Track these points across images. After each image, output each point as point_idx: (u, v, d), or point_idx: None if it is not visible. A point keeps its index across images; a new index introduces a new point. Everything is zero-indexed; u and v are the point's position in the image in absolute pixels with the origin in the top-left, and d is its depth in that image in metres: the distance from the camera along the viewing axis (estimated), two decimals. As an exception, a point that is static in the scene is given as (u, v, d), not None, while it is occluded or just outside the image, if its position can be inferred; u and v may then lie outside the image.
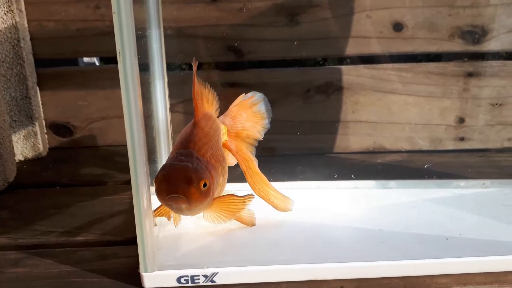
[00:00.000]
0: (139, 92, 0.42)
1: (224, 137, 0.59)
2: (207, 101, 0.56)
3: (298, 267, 0.50)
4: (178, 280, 0.48)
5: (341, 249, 0.53)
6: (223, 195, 0.53)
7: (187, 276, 0.48)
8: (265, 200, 0.58)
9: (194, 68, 0.53)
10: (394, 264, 0.50)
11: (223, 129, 0.58)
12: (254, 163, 0.59)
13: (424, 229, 0.57)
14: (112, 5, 0.38)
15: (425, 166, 0.75)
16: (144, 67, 0.59)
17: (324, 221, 0.59)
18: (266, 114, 0.62)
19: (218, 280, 0.49)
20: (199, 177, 0.46)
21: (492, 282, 0.49)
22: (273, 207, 0.59)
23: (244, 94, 0.62)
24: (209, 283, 0.49)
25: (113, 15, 0.38)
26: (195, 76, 0.53)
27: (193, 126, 0.52)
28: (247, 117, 0.61)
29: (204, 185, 0.46)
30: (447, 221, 0.59)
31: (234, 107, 0.61)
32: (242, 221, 0.57)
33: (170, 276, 0.48)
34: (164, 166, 0.48)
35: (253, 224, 0.57)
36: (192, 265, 0.49)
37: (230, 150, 0.59)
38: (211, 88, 0.57)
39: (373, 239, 0.55)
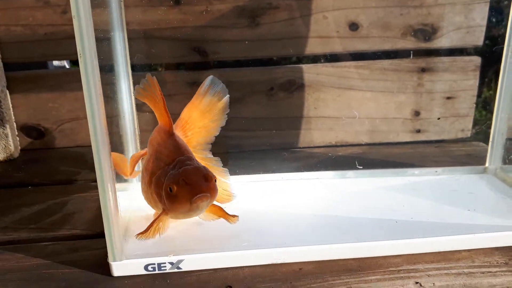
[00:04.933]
0: (100, 91, 0.44)
1: None
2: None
3: (259, 251, 0.53)
4: (146, 268, 0.51)
5: (300, 234, 0.56)
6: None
7: (154, 264, 0.51)
8: None
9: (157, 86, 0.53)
10: (349, 247, 0.54)
11: None
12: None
13: (378, 214, 0.61)
14: (72, 10, 0.41)
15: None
16: (109, 68, 0.61)
17: (286, 209, 0.63)
18: (220, 95, 0.59)
19: (184, 267, 0.52)
20: (212, 174, 0.50)
21: (440, 261, 0.53)
22: None
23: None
24: (176, 270, 0.52)
25: (73, 18, 0.41)
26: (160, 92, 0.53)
27: (172, 137, 0.54)
28: (200, 116, 0.59)
29: (215, 181, 0.50)
30: (400, 206, 0.63)
31: (183, 113, 0.60)
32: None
33: (138, 264, 0.51)
34: (176, 173, 0.50)
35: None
36: (158, 254, 0.52)
37: None
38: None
39: (331, 224, 0.59)
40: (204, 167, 0.51)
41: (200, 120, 0.59)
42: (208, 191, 0.49)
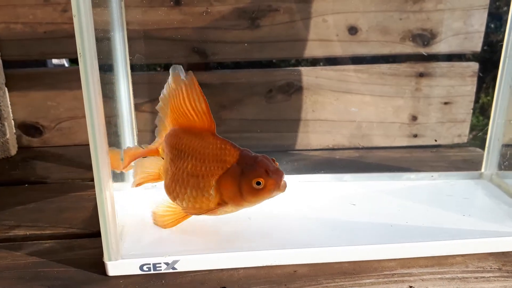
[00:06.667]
0: (99, 90, 0.45)
1: None
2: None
3: (254, 253, 0.53)
4: (141, 268, 0.51)
5: (295, 237, 0.57)
6: None
7: (149, 264, 0.51)
8: None
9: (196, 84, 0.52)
10: (344, 250, 0.54)
11: None
12: None
13: (373, 218, 0.61)
14: (72, 8, 0.41)
15: None
16: (108, 67, 0.61)
17: (282, 211, 0.63)
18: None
19: (179, 267, 0.52)
20: None
21: (434, 265, 0.53)
22: None
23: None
24: (171, 270, 0.52)
25: (73, 17, 0.41)
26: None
27: (217, 136, 0.53)
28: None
29: None
30: (396, 210, 0.63)
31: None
32: None
33: (133, 264, 0.51)
34: (258, 167, 0.50)
35: None
36: (154, 254, 0.52)
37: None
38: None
39: (326, 227, 0.59)
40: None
41: None
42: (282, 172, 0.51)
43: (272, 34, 0.82)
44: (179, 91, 0.53)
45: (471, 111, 0.88)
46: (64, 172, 0.80)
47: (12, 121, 0.86)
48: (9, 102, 0.85)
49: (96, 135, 0.45)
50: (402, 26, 0.83)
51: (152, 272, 0.52)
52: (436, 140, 0.85)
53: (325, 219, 0.61)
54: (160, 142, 0.59)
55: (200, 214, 0.54)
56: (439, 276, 0.51)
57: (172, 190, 0.55)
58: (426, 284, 0.50)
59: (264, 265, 0.53)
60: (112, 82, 0.63)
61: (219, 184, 0.52)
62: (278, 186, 0.50)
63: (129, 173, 0.69)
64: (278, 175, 0.50)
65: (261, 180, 0.49)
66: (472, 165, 0.81)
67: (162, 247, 0.54)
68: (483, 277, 0.51)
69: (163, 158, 0.58)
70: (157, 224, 0.58)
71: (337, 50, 0.84)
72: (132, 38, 0.66)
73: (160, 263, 0.52)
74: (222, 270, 0.52)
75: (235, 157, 0.52)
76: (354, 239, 0.56)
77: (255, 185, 0.50)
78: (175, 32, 0.80)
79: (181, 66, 0.54)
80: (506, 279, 0.51)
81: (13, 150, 0.86)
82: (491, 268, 0.53)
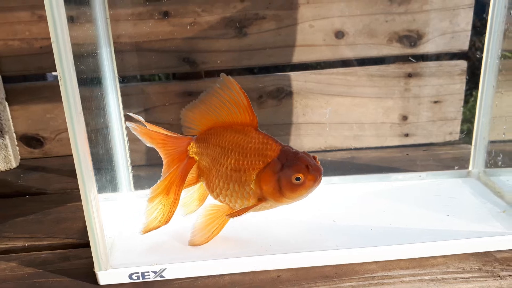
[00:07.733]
0: (80, 109, 0.47)
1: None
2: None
3: (239, 260, 0.55)
4: (130, 276, 0.53)
5: (280, 242, 0.58)
6: None
7: (138, 273, 0.53)
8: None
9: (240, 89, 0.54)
10: (326, 254, 0.55)
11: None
12: None
13: (358, 220, 0.62)
14: (51, 35, 0.43)
15: None
16: (96, 81, 0.63)
17: (269, 217, 0.64)
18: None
19: (167, 275, 0.54)
20: None
21: (414, 267, 0.54)
22: None
23: None
24: (159, 278, 0.54)
25: (52, 44, 0.43)
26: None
27: (259, 131, 0.55)
28: None
29: None
30: (381, 212, 0.64)
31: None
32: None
33: (122, 273, 0.53)
34: (298, 163, 0.51)
35: None
36: (142, 263, 0.54)
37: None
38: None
39: (310, 231, 0.60)
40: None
41: None
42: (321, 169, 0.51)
43: (260, 41, 0.83)
44: (219, 93, 0.54)
45: (461, 108, 0.88)
46: (63, 182, 0.82)
47: (14, 134, 0.89)
48: (10, 116, 0.88)
49: (79, 150, 0.47)
50: (388, 28, 0.83)
51: (141, 280, 0.54)
52: (407, 154, 0.85)
53: (310, 223, 0.62)
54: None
55: (243, 213, 0.53)
56: (419, 278, 0.52)
57: (216, 187, 0.56)
58: (405, 286, 0.51)
59: (249, 271, 0.55)
60: (101, 95, 0.65)
61: (259, 178, 0.52)
62: (317, 182, 0.51)
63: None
64: (318, 172, 0.51)
65: (300, 175, 0.50)
66: (462, 162, 0.81)
67: (151, 256, 0.56)
68: (462, 277, 0.52)
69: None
70: (198, 242, 0.58)
71: (325, 55, 0.85)
72: (123, 51, 0.68)
73: (148, 272, 0.54)
74: (208, 277, 0.54)
75: (276, 152, 0.52)
76: (337, 243, 0.57)
77: (294, 181, 0.50)
78: (164, 44, 0.82)
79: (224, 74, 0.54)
80: (485, 279, 0.52)
81: (15, 162, 0.89)
82: (471, 269, 0.53)
